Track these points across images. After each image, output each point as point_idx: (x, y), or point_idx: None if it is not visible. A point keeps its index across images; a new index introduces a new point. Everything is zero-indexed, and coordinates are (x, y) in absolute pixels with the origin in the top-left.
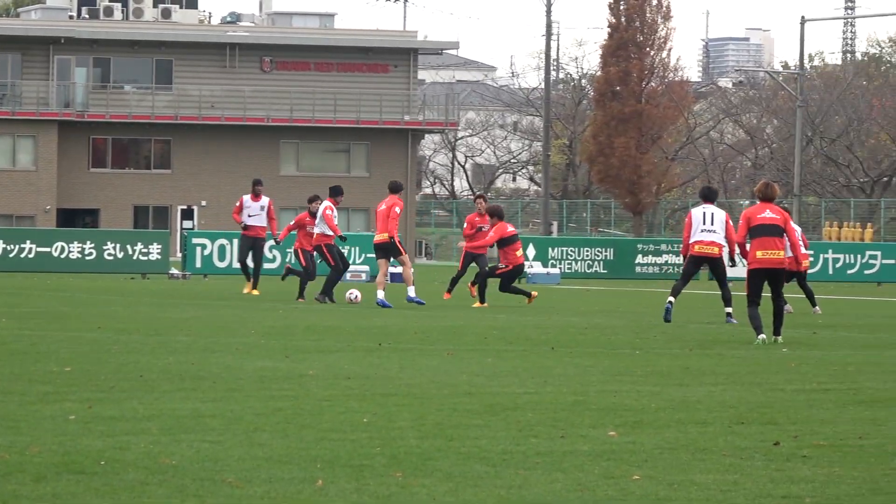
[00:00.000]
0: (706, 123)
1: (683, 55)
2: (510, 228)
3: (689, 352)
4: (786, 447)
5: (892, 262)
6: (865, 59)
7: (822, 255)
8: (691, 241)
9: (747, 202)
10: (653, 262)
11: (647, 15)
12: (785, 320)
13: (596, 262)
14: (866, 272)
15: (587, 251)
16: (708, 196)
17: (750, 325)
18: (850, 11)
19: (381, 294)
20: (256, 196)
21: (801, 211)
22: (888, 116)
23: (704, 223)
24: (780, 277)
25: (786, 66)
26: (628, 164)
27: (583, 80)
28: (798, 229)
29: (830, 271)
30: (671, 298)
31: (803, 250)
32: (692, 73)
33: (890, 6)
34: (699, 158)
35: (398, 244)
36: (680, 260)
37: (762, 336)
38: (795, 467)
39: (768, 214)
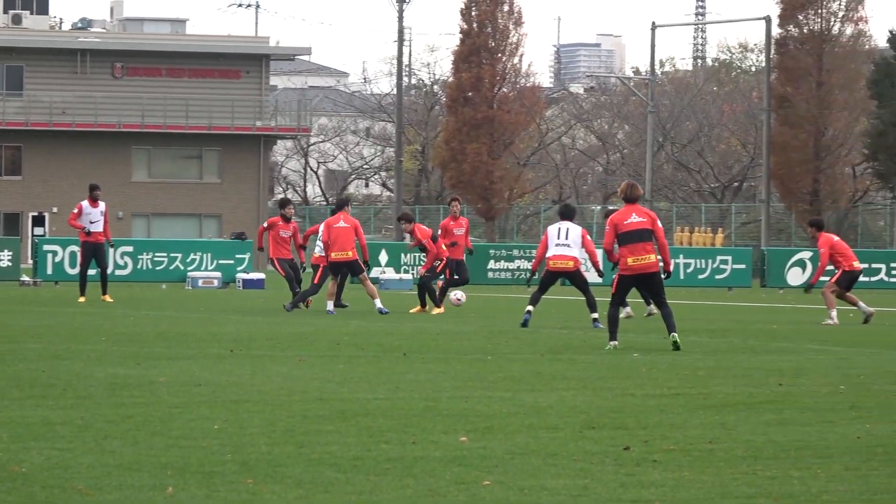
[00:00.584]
0: (558, 129)
1: (535, 61)
2: (424, 228)
3: (541, 357)
4: (636, 452)
5: (743, 266)
6: (716, 64)
7: (673, 260)
8: (547, 255)
9: (598, 207)
10: (505, 267)
11: (499, 21)
12: (624, 325)
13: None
14: (717, 277)
15: None
16: (565, 214)
17: (606, 327)
18: (700, 17)
19: (330, 305)
20: (95, 201)
21: None
22: (738, 122)
23: (559, 238)
24: (653, 282)
25: (637, 71)
26: (480, 169)
27: (435, 86)
28: None
29: (682, 276)
30: (530, 307)
31: None
32: (544, 78)
33: (739, 12)
34: (551, 164)
35: (361, 263)
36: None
37: (614, 342)
38: (645, 472)
39: (635, 219)
